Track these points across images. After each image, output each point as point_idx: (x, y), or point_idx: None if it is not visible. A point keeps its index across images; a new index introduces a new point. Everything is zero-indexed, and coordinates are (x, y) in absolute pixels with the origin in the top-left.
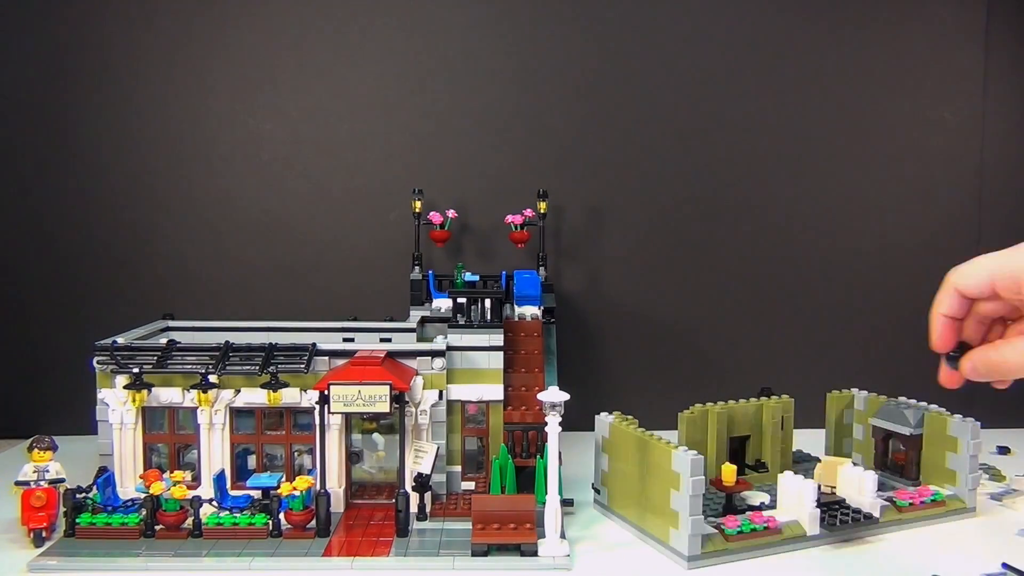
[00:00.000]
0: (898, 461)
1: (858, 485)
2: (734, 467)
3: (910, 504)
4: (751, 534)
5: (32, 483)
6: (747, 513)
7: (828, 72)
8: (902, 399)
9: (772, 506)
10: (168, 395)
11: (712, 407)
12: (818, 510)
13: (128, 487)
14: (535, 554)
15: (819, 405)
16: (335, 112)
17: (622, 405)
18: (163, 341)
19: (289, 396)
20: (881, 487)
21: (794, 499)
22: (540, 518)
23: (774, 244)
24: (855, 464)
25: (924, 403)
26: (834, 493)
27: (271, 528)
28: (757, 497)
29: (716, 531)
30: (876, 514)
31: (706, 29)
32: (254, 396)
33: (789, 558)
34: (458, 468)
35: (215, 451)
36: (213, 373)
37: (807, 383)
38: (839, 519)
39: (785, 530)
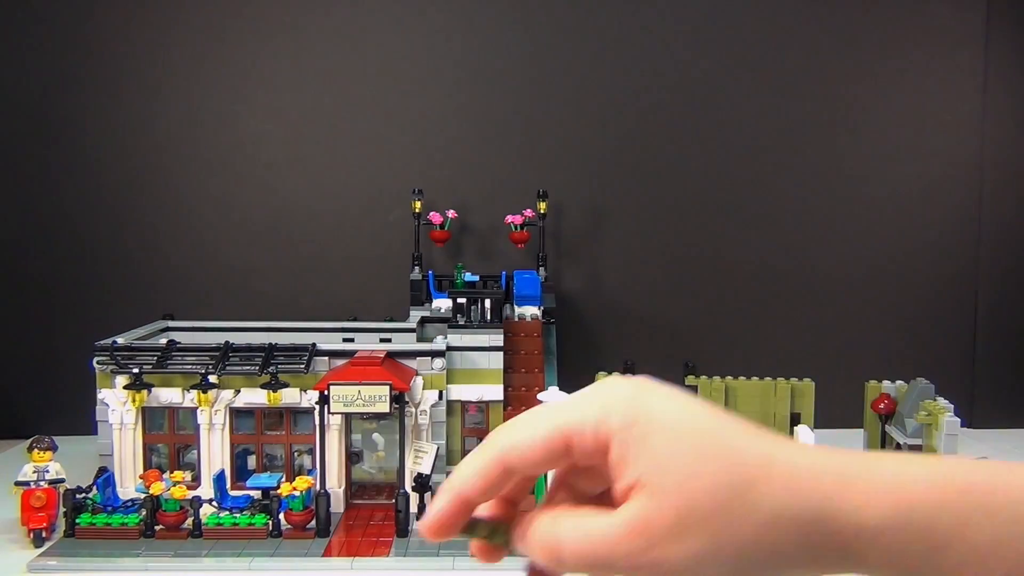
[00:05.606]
0: None
1: None
2: None
3: None
4: None
5: (32, 483)
6: None
7: (828, 72)
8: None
9: None
10: (168, 395)
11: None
12: None
13: (128, 487)
14: None
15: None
16: (335, 112)
17: None
18: (163, 341)
19: (289, 396)
20: None
21: None
22: None
23: (775, 244)
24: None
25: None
26: None
27: (271, 528)
28: None
29: None
30: None
31: (705, 29)
32: (254, 396)
33: None
34: None
35: (215, 451)
36: (213, 373)
37: (816, 382)
38: None
39: None
